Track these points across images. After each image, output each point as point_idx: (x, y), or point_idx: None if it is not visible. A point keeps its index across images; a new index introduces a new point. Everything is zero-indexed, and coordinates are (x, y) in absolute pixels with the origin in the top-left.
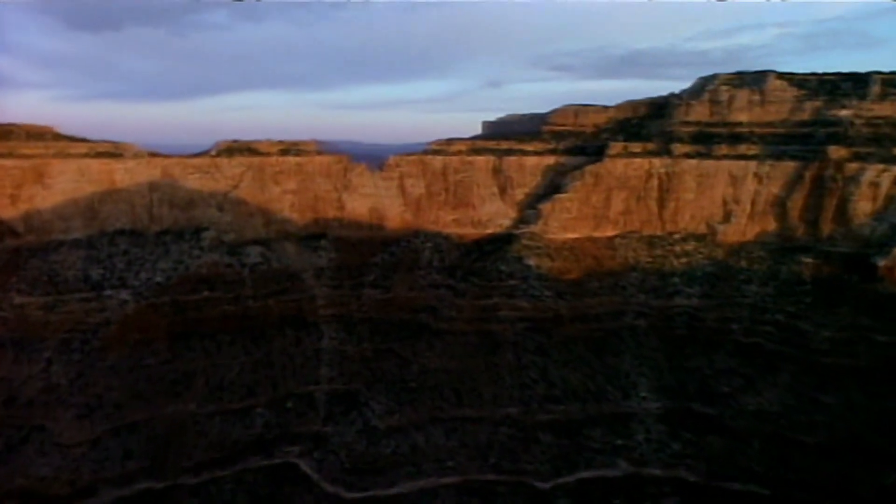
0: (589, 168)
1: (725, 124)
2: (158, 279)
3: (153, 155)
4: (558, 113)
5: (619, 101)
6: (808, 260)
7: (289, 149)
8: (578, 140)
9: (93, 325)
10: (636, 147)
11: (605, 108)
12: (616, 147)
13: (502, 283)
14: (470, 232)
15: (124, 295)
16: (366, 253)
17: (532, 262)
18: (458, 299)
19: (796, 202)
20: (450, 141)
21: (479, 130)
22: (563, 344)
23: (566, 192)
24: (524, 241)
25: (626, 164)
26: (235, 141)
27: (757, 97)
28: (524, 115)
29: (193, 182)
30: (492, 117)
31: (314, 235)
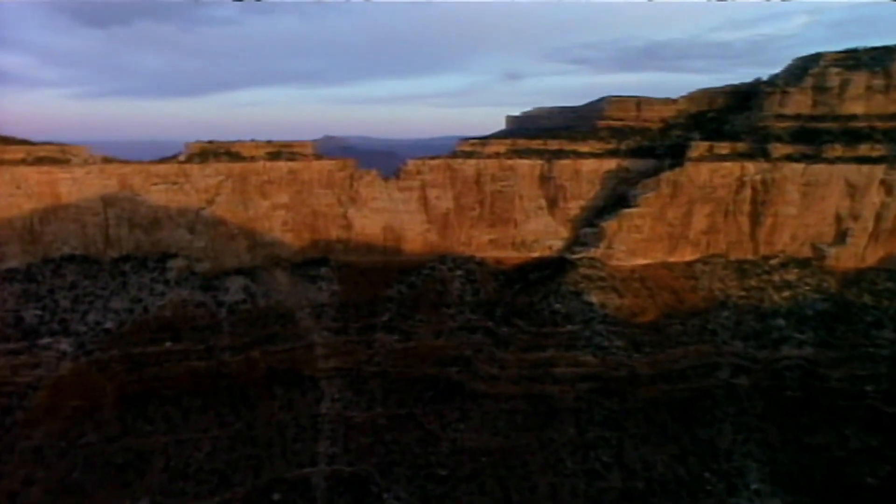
0: (666, 175)
1: (835, 118)
2: (108, 324)
3: (107, 161)
4: (616, 105)
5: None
6: None
7: (279, 151)
8: (643, 138)
9: (20, 387)
10: (723, 147)
11: (672, 99)
12: (699, 148)
13: (558, 328)
14: (511, 256)
15: (64, 345)
16: (378, 285)
17: (594, 298)
18: (501, 350)
19: None
20: (483, 140)
21: (500, 126)
22: (641, 412)
23: (636, 205)
24: (583, 270)
25: (713, 170)
26: (211, 142)
27: (879, 81)
28: (553, 108)
29: (158, 195)
30: (515, 111)
31: (312, 262)
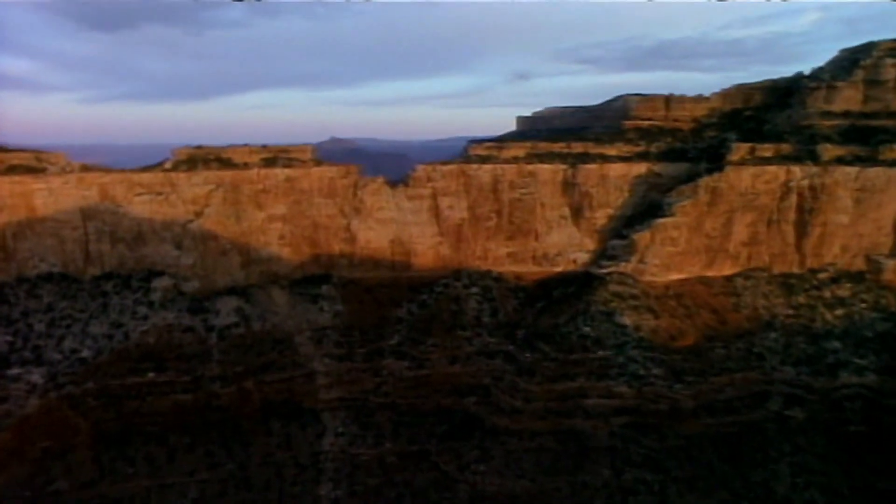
0: (704, 181)
1: (891, 114)
2: (85, 352)
3: (87, 169)
4: (643, 103)
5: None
6: None
7: (275, 157)
8: (675, 139)
9: None
10: (766, 150)
11: (703, 96)
12: (740, 150)
13: (588, 353)
14: (532, 271)
15: (35, 376)
16: (386, 304)
17: (627, 319)
18: (524, 379)
19: None
20: (500, 143)
21: (511, 127)
22: (684, 451)
23: (671, 214)
24: (613, 287)
25: (755, 175)
26: (200, 147)
27: None
28: (565, 108)
29: (141, 207)
30: (525, 112)
31: (313, 280)
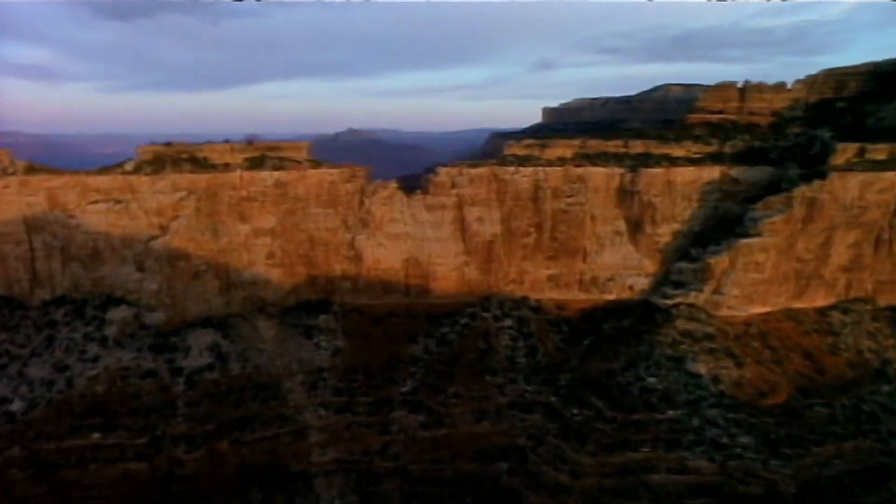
0: (800, 191)
1: None
2: (15, 405)
3: (32, 170)
4: (713, 93)
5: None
6: None
7: (263, 157)
8: (752, 137)
9: None
10: (880, 151)
11: (783, 84)
12: (846, 152)
13: (654, 413)
14: (578, 299)
15: None
16: (398, 339)
17: (702, 367)
18: (572, 446)
19: None
20: (542, 140)
21: (535, 119)
22: None
23: (757, 232)
24: (681, 324)
25: (866, 184)
26: (169, 144)
27: None
28: (595, 99)
29: (97, 218)
30: (551, 103)
31: (308, 307)
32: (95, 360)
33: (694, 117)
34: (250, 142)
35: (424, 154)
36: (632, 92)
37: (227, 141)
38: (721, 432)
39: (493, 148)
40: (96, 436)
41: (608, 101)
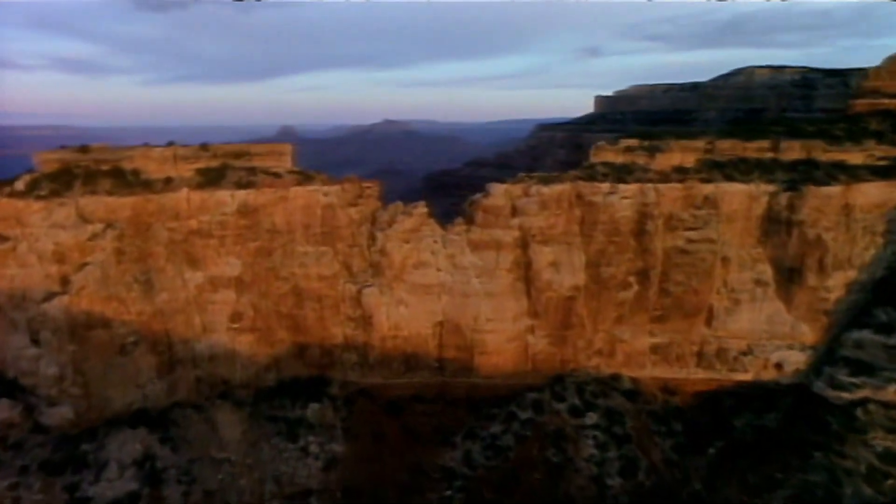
0: None
1: None
2: None
3: None
4: (887, 71)
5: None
6: None
7: (222, 167)
8: None
9: None
10: None
11: None
12: None
13: None
14: (697, 378)
15: None
16: (424, 440)
17: None
18: None
19: None
20: (652, 142)
21: (579, 109)
22: None
23: None
24: (879, 438)
25: None
26: (84, 148)
27: None
28: (655, 85)
29: None
30: (605, 91)
31: (293, 390)
32: None
33: (860, 103)
34: (205, 145)
35: (462, 145)
36: (680, 80)
37: (171, 143)
38: None
39: (538, 141)
40: None
41: (670, 87)
